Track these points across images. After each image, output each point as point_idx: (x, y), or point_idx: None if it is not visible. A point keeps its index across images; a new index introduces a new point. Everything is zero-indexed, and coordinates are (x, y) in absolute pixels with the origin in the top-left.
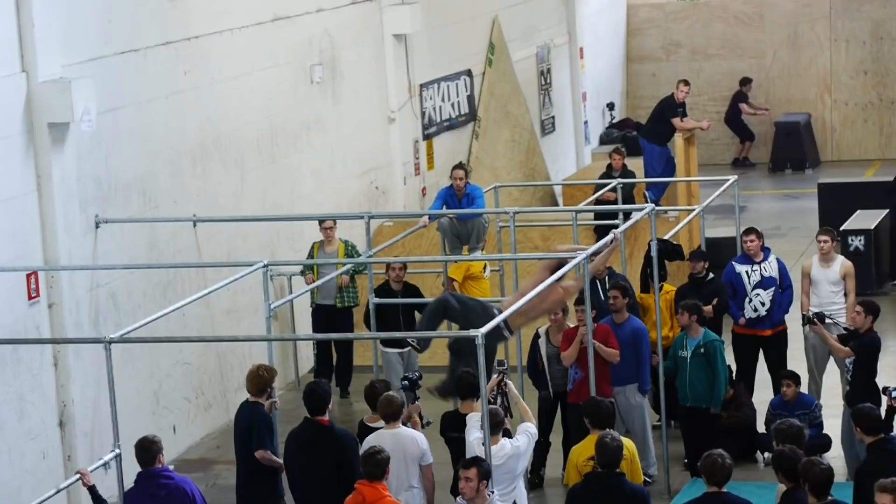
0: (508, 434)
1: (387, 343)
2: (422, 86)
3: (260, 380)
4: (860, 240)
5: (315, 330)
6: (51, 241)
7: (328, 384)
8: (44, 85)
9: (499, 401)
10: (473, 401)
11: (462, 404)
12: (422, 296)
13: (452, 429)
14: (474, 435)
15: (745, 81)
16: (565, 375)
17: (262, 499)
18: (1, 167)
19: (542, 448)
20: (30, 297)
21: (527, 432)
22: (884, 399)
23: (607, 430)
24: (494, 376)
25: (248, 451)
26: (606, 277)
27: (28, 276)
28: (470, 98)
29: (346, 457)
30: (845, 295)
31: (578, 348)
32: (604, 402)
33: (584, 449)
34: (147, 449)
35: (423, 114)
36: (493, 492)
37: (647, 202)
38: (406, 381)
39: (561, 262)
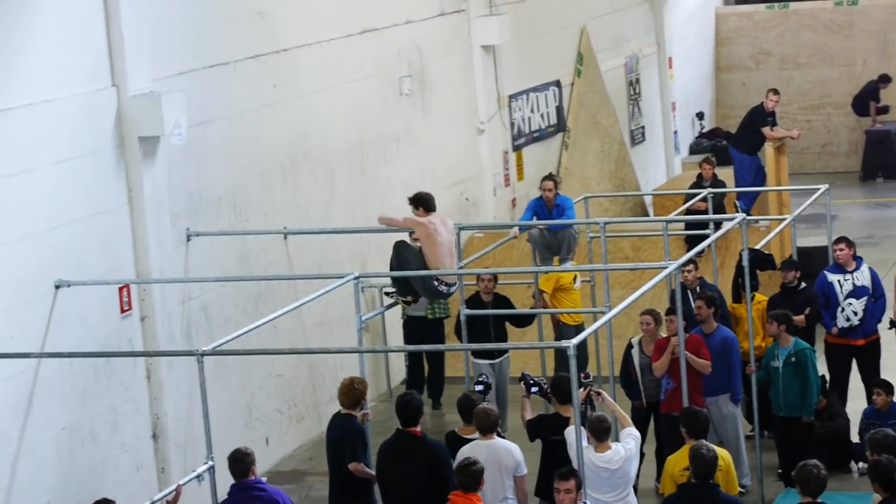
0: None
1: (478, 354)
2: (511, 97)
3: (354, 392)
4: None
5: (406, 341)
6: (143, 255)
7: (421, 396)
8: (134, 99)
9: (588, 412)
10: (570, 405)
11: (560, 407)
12: (513, 307)
13: (552, 431)
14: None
15: (885, 79)
16: (658, 385)
17: None
18: (93, 181)
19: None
20: (122, 311)
21: (632, 436)
22: None
23: (702, 440)
24: (581, 389)
25: (341, 463)
26: (697, 287)
27: (120, 289)
28: (559, 109)
29: (440, 468)
30: None
31: (670, 359)
32: (701, 412)
33: (681, 459)
34: (241, 461)
35: (512, 125)
36: (586, 501)
37: (737, 212)
38: (481, 385)
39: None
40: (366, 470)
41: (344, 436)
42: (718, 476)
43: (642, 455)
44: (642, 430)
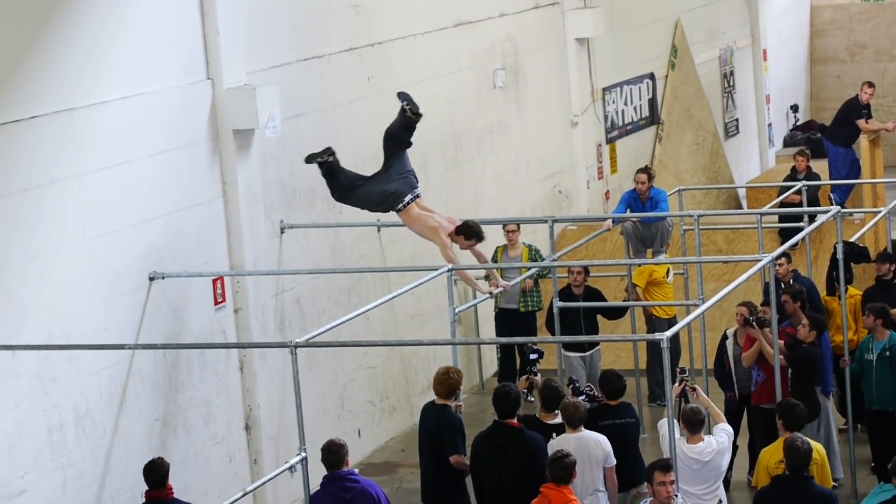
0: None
1: (569, 347)
2: (604, 89)
3: (450, 382)
4: None
5: (499, 334)
6: (236, 247)
7: (518, 388)
8: (229, 92)
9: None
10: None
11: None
12: (604, 299)
13: (608, 417)
14: (665, 436)
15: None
16: (751, 378)
17: (452, 501)
18: (188, 174)
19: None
20: (216, 303)
21: (724, 430)
22: None
23: (797, 433)
24: (676, 384)
25: (437, 454)
26: (790, 280)
27: (214, 281)
28: (652, 101)
29: (537, 460)
30: None
31: (759, 350)
32: (798, 405)
33: (776, 451)
34: (335, 453)
35: (605, 117)
36: (677, 494)
37: (832, 204)
38: (536, 354)
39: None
40: (465, 462)
41: (442, 428)
42: (813, 469)
43: (735, 447)
44: (735, 422)
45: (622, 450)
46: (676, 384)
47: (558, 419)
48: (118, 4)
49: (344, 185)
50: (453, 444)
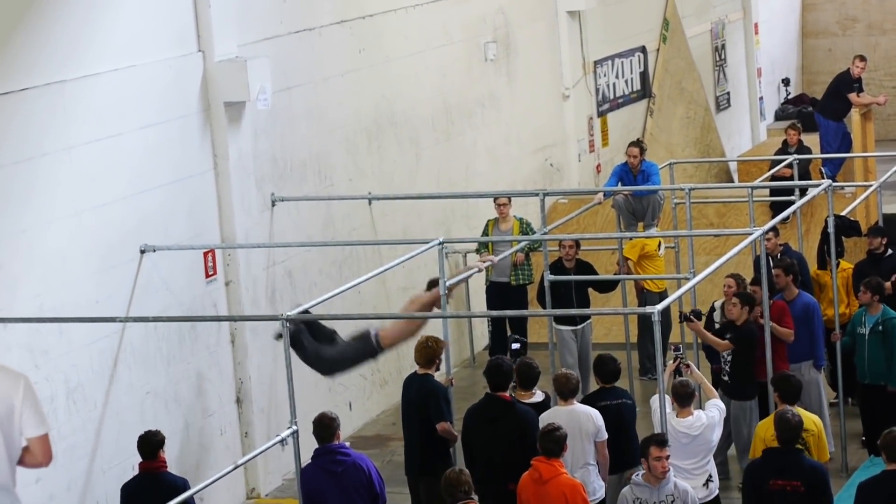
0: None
1: (560, 320)
2: (596, 62)
3: (428, 350)
4: None
5: (489, 307)
6: (227, 220)
7: (510, 361)
8: (220, 64)
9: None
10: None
11: (521, 392)
12: (595, 273)
13: (603, 399)
14: (657, 411)
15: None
16: None
17: (439, 471)
18: (179, 146)
19: None
20: (207, 276)
21: (716, 406)
22: None
23: (787, 406)
24: (671, 362)
25: (422, 424)
26: (779, 254)
27: (205, 254)
28: (644, 75)
29: (528, 433)
30: None
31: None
32: (793, 377)
33: (772, 424)
34: (326, 426)
35: (597, 91)
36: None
37: (823, 178)
38: (517, 344)
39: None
40: (452, 430)
41: (427, 395)
42: (809, 440)
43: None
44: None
45: (618, 431)
46: (671, 362)
47: (535, 398)
48: None
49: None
50: (438, 411)
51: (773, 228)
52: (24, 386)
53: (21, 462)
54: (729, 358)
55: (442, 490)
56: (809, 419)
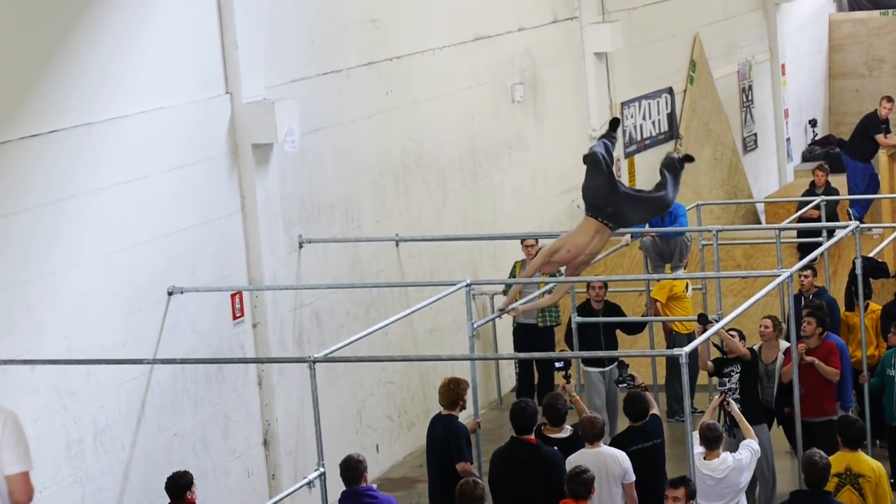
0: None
1: (588, 362)
2: (623, 104)
3: (451, 393)
4: None
5: (517, 349)
6: (255, 261)
7: (535, 403)
8: (248, 106)
9: (722, 420)
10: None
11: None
12: (623, 314)
13: (633, 442)
14: (697, 450)
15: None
16: (774, 392)
17: None
18: (206, 188)
19: None
20: (234, 317)
21: (749, 447)
22: None
23: (815, 449)
24: (716, 396)
25: (444, 464)
26: (812, 295)
27: (233, 295)
28: (671, 116)
29: (554, 476)
30: None
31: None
32: (858, 421)
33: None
34: (353, 468)
35: (624, 132)
36: None
37: (850, 219)
38: (561, 362)
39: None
40: (473, 471)
41: (449, 436)
42: (865, 486)
43: None
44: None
45: (650, 473)
46: (716, 397)
47: (563, 433)
48: (137, 19)
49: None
50: (459, 451)
51: (811, 267)
52: (5, 422)
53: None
54: (737, 385)
55: (456, 501)
56: (869, 465)
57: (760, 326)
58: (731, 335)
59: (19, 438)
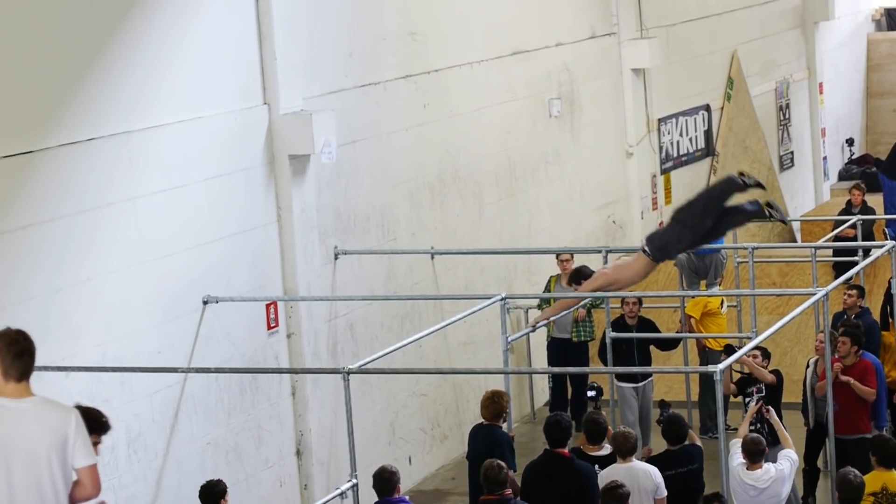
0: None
1: (622, 378)
2: (660, 120)
3: (494, 405)
4: None
5: (550, 363)
6: (290, 272)
7: (569, 417)
8: (285, 117)
9: (756, 427)
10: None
11: (588, 446)
12: (657, 330)
13: (671, 466)
14: (736, 461)
15: None
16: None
17: None
18: (243, 198)
19: (809, 476)
20: (269, 327)
21: (788, 458)
22: None
23: (849, 467)
24: (753, 404)
25: None
26: (854, 316)
27: (268, 306)
28: (707, 133)
29: (587, 490)
30: None
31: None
32: (892, 440)
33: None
34: (386, 480)
35: (660, 148)
36: None
37: (887, 239)
38: (593, 391)
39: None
40: (515, 481)
41: (493, 445)
42: None
43: (818, 471)
44: (815, 447)
45: (687, 498)
46: (753, 403)
47: (602, 451)
48: (176, 28)
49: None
50: (503, 460)
51: (857, 287)
52: (75, 418)
53: (71, 495)
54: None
55: (482, 481)
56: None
57: (817, 341)
58: (754, 354)
59: (86, 433)
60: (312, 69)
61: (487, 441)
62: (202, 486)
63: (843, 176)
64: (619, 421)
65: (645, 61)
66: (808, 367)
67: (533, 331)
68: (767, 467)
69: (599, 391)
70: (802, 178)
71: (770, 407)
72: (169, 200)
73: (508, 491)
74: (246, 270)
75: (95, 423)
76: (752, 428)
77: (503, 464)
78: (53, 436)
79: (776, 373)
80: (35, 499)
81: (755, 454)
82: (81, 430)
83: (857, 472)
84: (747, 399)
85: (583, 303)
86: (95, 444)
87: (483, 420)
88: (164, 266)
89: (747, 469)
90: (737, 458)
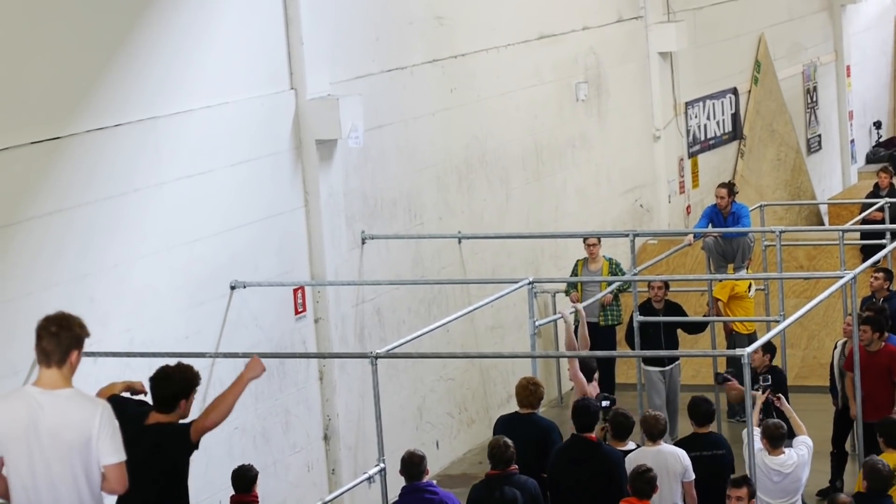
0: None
1: (649, 361)
2: (687, 104)
3: (531, 394)
4: None
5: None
6: (318, 257)
7: (597, 402)
8: (312, 102)
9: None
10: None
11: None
12: (684, 314)
13: (696, 448)
14: (756, 447)
15: None
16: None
17: None
18: (270, 183)
19: (837, 459)
20: (297, 312)
21: (805, 444)
22: None
23: (876, 455)
24: (760, 394)
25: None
26: (882, 299)
27: (295, 291)
28: (735, 116)
29: (615, 475)
30: None
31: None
32: None
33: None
34: (416, 464)
35: (687, 132)
36: None
37: None
38: (608, 402)
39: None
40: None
41: (545, 431)
42: None
43: (846, 454)
44: (843, 431)
45: (713, 482)
46: (760, 392)
47: (628, 446)
48: (202, 14)
49: None
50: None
51: (884, 270)
52: (100, 414)
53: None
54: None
55: (488, 457)
56: None
57: (845, 323)
58: (764, 359)
59: (114, 430)
60: (339, 54)
61: (537, 429)
62: (234, 471)
63: (870, 159)
64: (647, 405)
65: (672, 44)
66: (835, 348)
67: (561, 317)
68: (790, 453)
69: (613, 402)
70: (830, 161)
71: (780, 395)
72: (196, 186)
73: (514, 467)
74: (273, 255)
75: (186, 381)
76: (761, 417)
77: (510, 441)
78: (76, 432)
79: (776, 370)
80: (57, 493)
81: (776, 438)
82: (107, 426)
83: (884, 461)
84: (755, 388)
85: (610, 288)
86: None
87: (519, 408)
88: (192, 251)
89: (770, 454)
90: (755, 444)
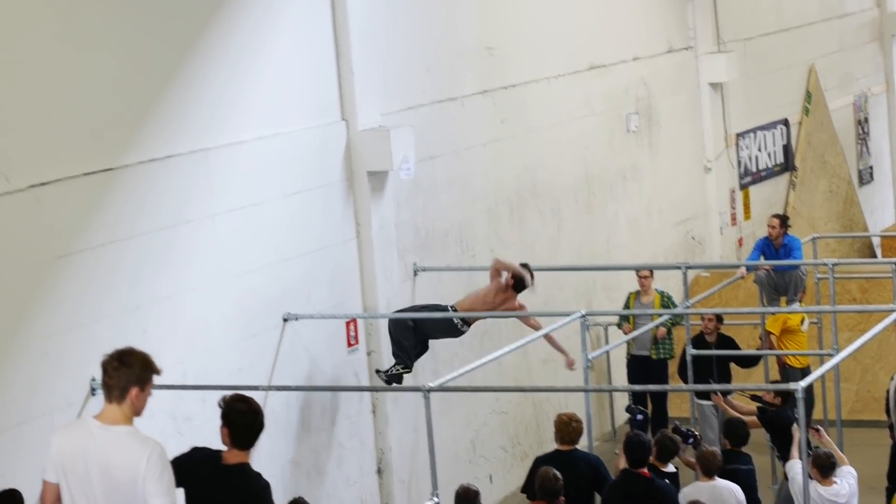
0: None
1: (701, 395)
2: (738, 135)
3: (572, 430)
4: None
5: (631, 381)
6: (370, 289)
7: (650, 437)
8: (363, 133)
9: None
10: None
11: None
12: (737, 347)
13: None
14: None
15: None
16: None
17: None
18: (322, 214)
19: (893, 494)
20: (349, 345)
21: (851, 474)
22: None
23: None
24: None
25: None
26: None
27: (348, 323)
28: (786, 147)
29: None
30: None
31: None
32: None
33: None
34: (470, 499)
35: (739, 163)
36: None
37: None
38: (641, 414)
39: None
40: None
41: (595, 466)
42: None
43: None
44: None
45: (745, 496)
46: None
47: (668, 469)
48: (253, 45)
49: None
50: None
51: None
52: (149, 455)
53: None
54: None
55: (536, 488)
56: None
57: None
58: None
59: (163, 471)
60: (390, 85)
61: (586, 463)
62: (289, 502)
63: None
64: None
65: (722, 75)
66: (891, 380)
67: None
68: (842, 483)
69: (646, 416)
70: (882, 192)
71: (819, 427)
72: (247, 217)
73: (561, 499)
74: (325, 287)
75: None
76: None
77: (559, 474)
78: (123, 471)
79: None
80: None
81: (827, 468)
82: (156, 468)
83: None
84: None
85: (660, 320)
86: None
87: (560, 445)
88: (244, 283)
89: (821, 485)
90: (795, 478)
